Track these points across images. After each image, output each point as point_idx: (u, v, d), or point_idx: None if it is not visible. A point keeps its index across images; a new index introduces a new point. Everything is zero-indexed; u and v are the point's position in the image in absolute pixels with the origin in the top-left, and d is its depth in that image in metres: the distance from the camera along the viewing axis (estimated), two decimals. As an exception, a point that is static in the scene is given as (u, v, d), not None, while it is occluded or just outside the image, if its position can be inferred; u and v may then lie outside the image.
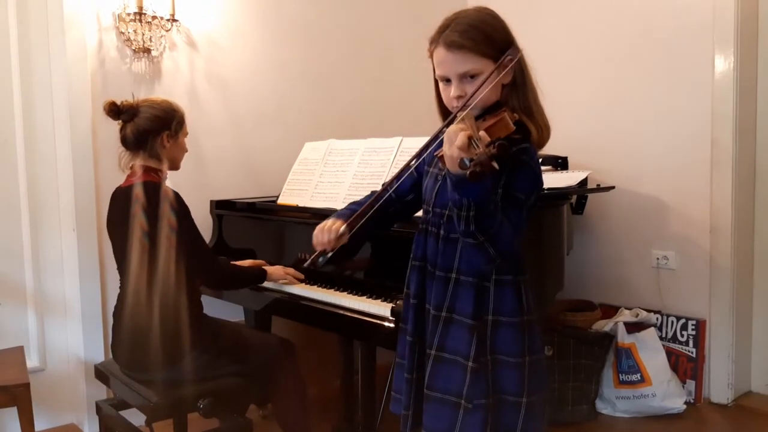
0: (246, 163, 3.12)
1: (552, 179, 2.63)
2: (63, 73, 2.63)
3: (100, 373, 2.30)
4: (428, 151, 1.39)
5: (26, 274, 2.70)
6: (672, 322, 3.08)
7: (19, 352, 2.44)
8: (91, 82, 2.67)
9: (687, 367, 3.02)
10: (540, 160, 1.43)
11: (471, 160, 1.12)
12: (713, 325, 2.99)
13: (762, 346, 3.06)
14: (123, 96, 2.12)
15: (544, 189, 1.77)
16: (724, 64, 2.88)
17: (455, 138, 1.16)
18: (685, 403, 2.90)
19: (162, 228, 1.99)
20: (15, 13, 2.61)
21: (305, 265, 1.54)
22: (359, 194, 1.72)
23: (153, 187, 2.03)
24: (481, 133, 1.17)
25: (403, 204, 1.60)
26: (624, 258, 3.28)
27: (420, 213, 1.56)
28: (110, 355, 2.29)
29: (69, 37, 2.60)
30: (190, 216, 2.08)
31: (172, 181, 2.17)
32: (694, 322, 3.02)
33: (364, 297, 2.07)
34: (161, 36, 2.81)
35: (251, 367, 2.16)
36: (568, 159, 3.02)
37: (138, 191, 2.01)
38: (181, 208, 2.03)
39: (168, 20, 2.78)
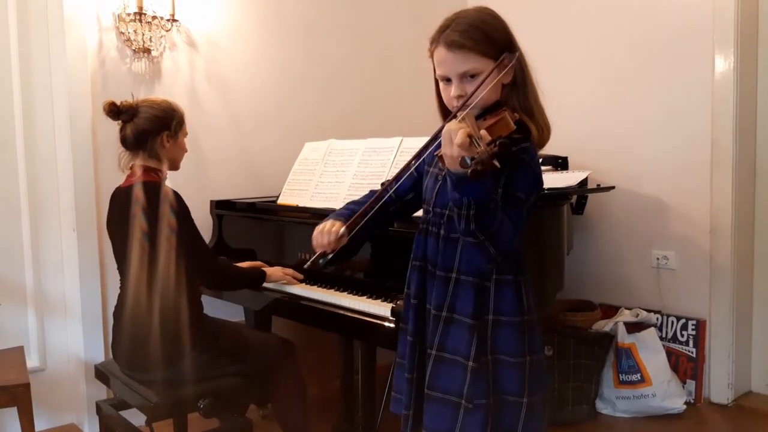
0: (246, 163, 3.12)
1: (552, 179, 2.63)
2: (63, 73, 2.62)
3: (100, 373, 2.30)
4: (428, 151, 1.39)
5: (26, 274, 2.70)
6: (672, 322, 3.08)
7: (19, 352, 2.44)
8: (91, 82, 2.67)
9: (687, 367, 3.02)
10: (540, 160, 1.43)
11: (472, 159, 1.12)
12: (713, 325, 2.99)
13: (762, 346, 3.06)
14: (123, 96, 2.12)
15: (544, 189, 1.77)
16: (724, 64, 2.88)
17: (454, 136, 1.16)
18: (685, 403, 2.90)
19: (162, 228, 1.99)
20: (15, 14, 2.61)
21: (306, 266, 1.54)
22: (359, 194, 1.71)
23: (153, 187, 2.03)
24: (482, 131, 1.17)
25: (403, 203, 1.60)
26: (624, 258, 3.28)
27: (420, 213, 1.56)
28: (110, 355, 2.29)
29: (69, 38, 2.60)
30: (190, 216, 2.08)
31: (172, 181, 2.17)
32: (694, 322, 3.02)
33: (365, 297, 2.07)
34: (161, 36, 2.81)
35: (251, 367, 2.16)
36: (568, 159, 3.02)
37: (138, 191, 2.01)
38: (181, 208, 2.03)
39: (168, 20, 2.78)
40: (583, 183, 2.79)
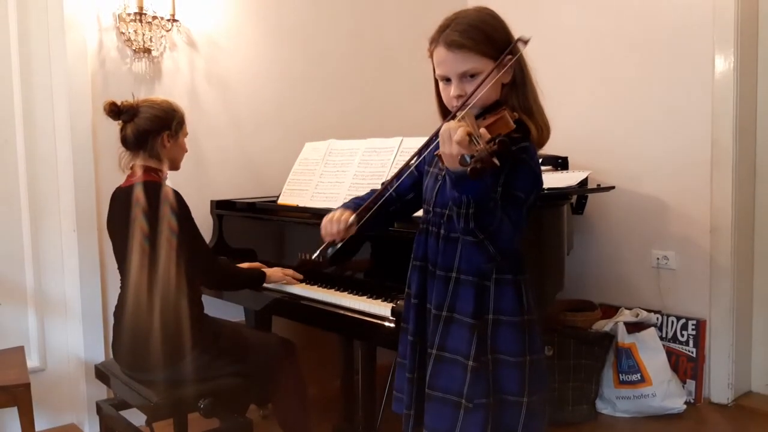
0: (246, 163, 3.12)
1: (552, 179, 2.64)
2: (63, 73, 2.63)
3: (101, 373, 2.30)
4: (428, 150, 1.39)
5: (26, 275, 2.70)
6: (672, 322, 3.08)
7: (19, 352, 2.44)
8: (91, 82, 2.67)
9: (687, 367, 3.02)
10: (540, 160, 1.43)
11: (471, 157, 1.12)
12: (713, 325, 2.99)
13: (762, 346, 3.06)
14: (123, 96, 2.12)
15: (544, 189, 1.78)
16: (724, 64, 2.88)
17: (454, 134, 1.16)
18: (685, 403, 2.90)
19: (162, 228, 1.99)
20: (15, 14, 2.61)
21: (313, 257, 1.52)
22: (359, 194, 1.71)
23: (153, 187, 2.03)
24: (481, 130, 1.17)
25: (403, 203, 1.60)
26: (624, 258, 3.28)
27: (420, 213, 1.56)
28: (110, 355, 2.29)
29: (69, 38, 2.60)
30: (191, 216, 2.08)
31: (172, 181, 2.17)
32: (694, 322, 3.02)
33: (365, 297, 2.07)
34: (161, 36, 2.81)
35: (251, 367, 2.16)
36: (568, 159, 3.02)
37: (138, 191, 2.01)
38: (181, 208, 2.03)
39: (168, 20, 2.78)
40: (583, 183, 2.79)
